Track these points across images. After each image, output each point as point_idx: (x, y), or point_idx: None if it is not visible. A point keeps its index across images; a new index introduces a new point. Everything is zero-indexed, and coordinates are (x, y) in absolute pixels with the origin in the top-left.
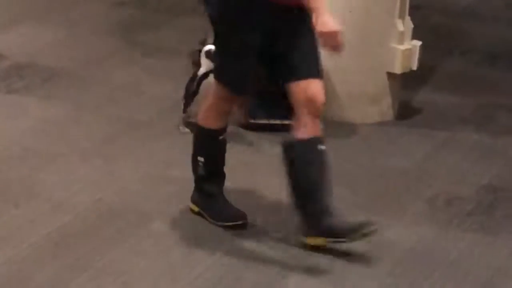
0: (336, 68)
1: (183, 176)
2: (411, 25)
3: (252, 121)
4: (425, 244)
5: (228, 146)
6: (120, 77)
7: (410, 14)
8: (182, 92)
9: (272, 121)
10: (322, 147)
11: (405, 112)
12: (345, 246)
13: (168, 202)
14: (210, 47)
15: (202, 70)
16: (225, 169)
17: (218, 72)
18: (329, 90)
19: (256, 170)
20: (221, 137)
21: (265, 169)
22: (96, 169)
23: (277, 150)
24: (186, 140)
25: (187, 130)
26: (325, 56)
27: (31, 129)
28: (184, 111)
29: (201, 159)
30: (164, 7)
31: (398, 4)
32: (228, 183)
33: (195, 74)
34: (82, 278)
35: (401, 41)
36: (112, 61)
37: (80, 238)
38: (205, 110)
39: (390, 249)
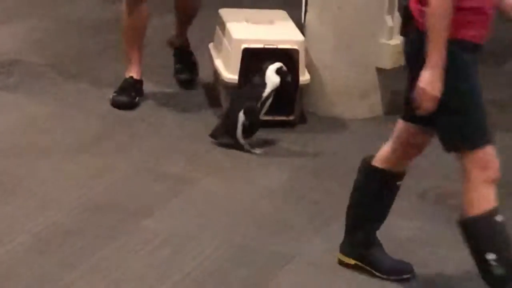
0: (326, 64)
1: (172, 172)
2: (401, 21)
3: None
4: (416, 238)
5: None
6: (109, 73)
7: (399, 10)
8: (171, 88)
9: (263, 117)
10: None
11: (394, 107)
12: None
13: (158, 199)
14: (281, 64)
15: (267, 90)
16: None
17: (466, 131)
18: (318, 86)
19: (251, 164)
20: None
21: (259, 162)
22: (85, 165)
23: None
24: (175, 137)
25: (260, 151)
26: (315, 51)
27: (20, 126)
28: (249, 136)
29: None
30: (153, 3)
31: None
32: (226, 179)
33: (258, 95)
34: (72, 276)
35: (390, 37)
36: (101, 58)
37: (70, 236)
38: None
39: (381, 242)
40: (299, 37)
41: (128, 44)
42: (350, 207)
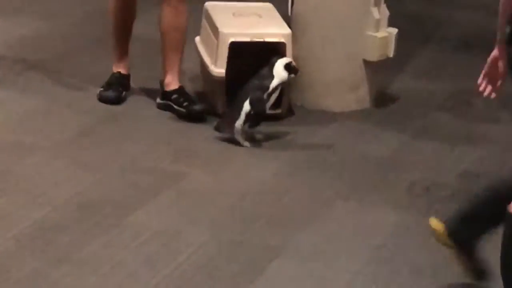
0: (313, 57)
1: (158, 166)
2: (387, 13)
3: None
4: (405, 230)
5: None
6: (96, 69)
7: (385, 2)
8: (157, 81)
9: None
10: None
11: (382, 99)
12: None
13: (145, 194)
14: (290, 59)
15: (275, 83)
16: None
17: None
18: (306, 79)
19: (238, 157)
20: None
21: (246, 156)
22: (73, 161)
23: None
24: (163, 132)
25: (249, 144)
26: (302, 44)
27: (7, 122)
28: (253, 127)
29: None
30: None
31: None
32: (212, 173)
33: (265, 86)
34: (62, 271)
35: (377, 29)
36: (89, 53)
37: (59, 231)
38: None
39: (370, 235)
40: (286, 30)
41: (115, 39)
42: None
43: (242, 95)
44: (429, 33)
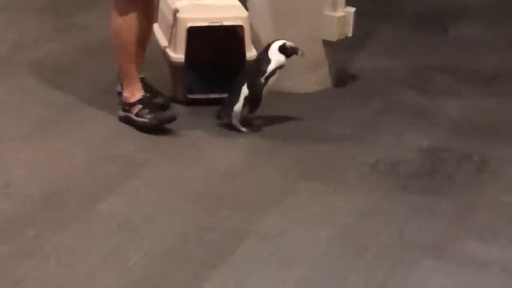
0: (272, 39)
1: (123, 155)
2: None
3: (190, 96)
4: (370, 208)
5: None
6: (52, 59)
7: None
8: (114, 72)
9: (211, 95)
10: None
11: (343, 79)
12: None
13: (112, 182)
14: (284, 41)
15: (272, 66)
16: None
17: None
18: None
19: (201, 143)
20: None
21: (210, 141)
22: (36, 153)
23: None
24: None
25: (246, 130)
26: (260, 26)
27: None
28: (252, 111)
29: None
30: None
31: None
32: (178, 160)
33: (262, 70)
34: (28, 264)
35: (335, 8)
36: (45, 44)
37: (23, 224)
38: None
39: (335, 215)
40: (244, 13)
41: (127, 61)
42: None
43: (240, 80)
44: (387, 11)
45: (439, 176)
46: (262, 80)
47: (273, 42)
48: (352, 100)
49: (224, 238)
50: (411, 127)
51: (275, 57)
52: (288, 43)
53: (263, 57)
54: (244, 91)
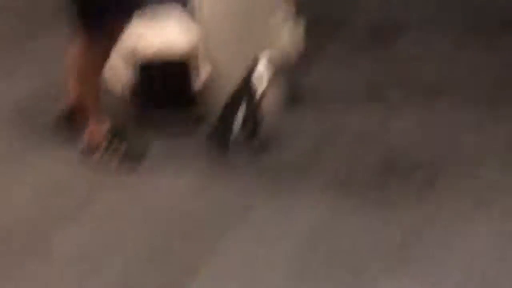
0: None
1: (72, 188)
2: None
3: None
4: (324, 223)
5: None
6: None
7: None
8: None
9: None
10: None
11: (295, 97)
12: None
13: (58, 218)
14: (266, 57)
15: (263, 85)
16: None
17: None
18: (217, 80)
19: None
20: None
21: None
22: None
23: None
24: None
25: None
26: (208, 48)
27: None
28: (251, 136)
29: None
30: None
31: None
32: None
33: (255, 88)
34: None
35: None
36: None
37: None
38: None
39: (292, 228)
40: (189, 41)
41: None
42: None
43: (233, 100)
44: (339, 26)
45: (391, 191)
46: (257, 99)
47: (259, 56)
48: (305, 118)
49: (177, 269)
50: (365, 143)
51: (264, 72)
52: (273, 55)
53: (253, 76)
54: (241, 112)
